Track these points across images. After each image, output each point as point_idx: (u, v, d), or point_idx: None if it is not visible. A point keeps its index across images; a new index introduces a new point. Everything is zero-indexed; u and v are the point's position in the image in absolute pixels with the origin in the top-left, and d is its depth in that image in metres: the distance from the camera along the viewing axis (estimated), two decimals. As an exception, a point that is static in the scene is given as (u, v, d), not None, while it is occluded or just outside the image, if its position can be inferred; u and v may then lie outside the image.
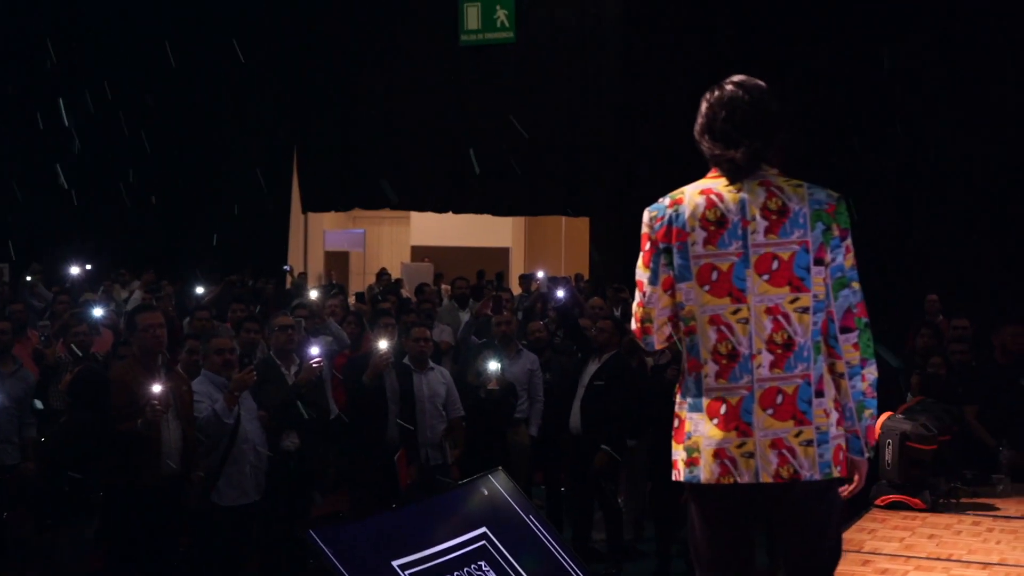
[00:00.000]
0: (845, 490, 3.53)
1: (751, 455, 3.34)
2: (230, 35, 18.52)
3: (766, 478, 3.34)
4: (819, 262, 3.37)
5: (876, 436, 3.63)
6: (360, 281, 23.24)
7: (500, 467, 4.62)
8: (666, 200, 3.47)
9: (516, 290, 16.43)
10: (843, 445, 3.43)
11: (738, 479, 3.36)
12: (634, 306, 3.56)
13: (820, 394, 3.38)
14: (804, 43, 15.18)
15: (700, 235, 3.38)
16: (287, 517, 7.65)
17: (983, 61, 14.02)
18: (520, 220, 23.28)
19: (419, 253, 24.45)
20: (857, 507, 6.41)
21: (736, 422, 3.35)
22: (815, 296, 3.37)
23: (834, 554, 3.53)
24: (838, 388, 3.42)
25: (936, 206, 14.02)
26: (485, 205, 19.05)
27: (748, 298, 3.36)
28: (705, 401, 3.39)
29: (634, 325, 3.57)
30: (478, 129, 17.92)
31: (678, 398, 3.51)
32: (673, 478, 3.51)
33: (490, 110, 17.85)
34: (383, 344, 8.31)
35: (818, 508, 3.43)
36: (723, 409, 3.37)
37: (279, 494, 7.61)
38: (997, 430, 7.93)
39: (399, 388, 8.52)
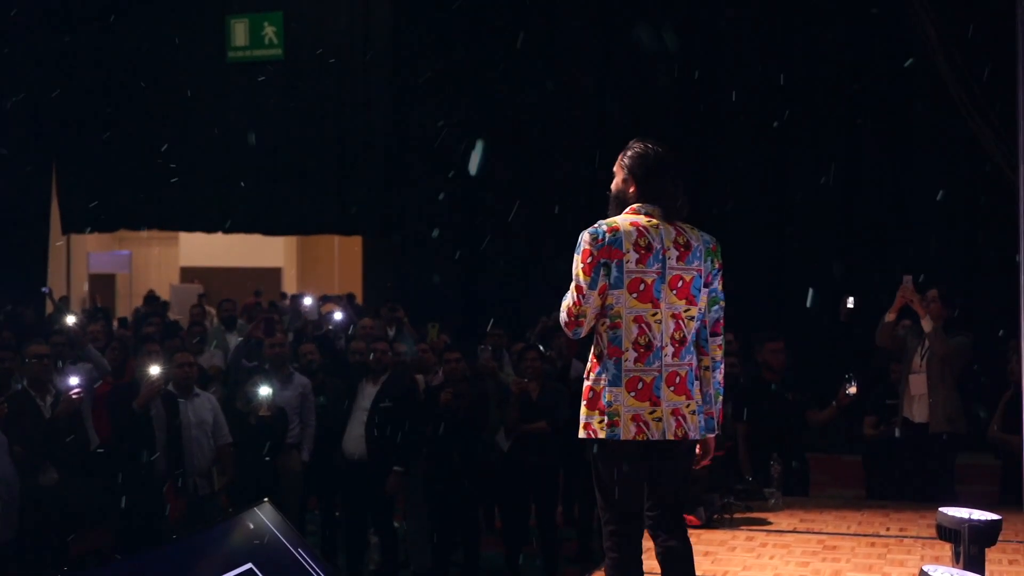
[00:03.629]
0: (700, 462, 4.72)
1: (660, 419, 4.45)
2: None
3: (669, 436, 4.46)
4: (706, 285, 4.59)
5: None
6: (127, 304, 22.50)
7: (266, 499, 4.44)
8: (604, 226, 4.51)
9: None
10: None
11: (649, 436, 4.44)
12: (569, 304, 4.52)
13: (697, 379, 4.59)
14: (566, 59, 15.43)
15: (633, 256, 4.45)
16: (44, 557, 7.27)
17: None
18: (292, 240, 22.96)
19: (189, 274, 23.83)
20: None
21: (649, 395, 4.45)
22: (700, 310, 4.57)
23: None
24: (703, 379, 4.61)
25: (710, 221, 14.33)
26: (255, 225, 18.65)
27: (661, 305, 4.48)
28: (625, 379, 4.45)
29: (565, 318, 4.55)
30: (247, 147, 17.54)
31: (593, 375, 4.52)
32: (583, 437, 4.51)
33: (259, 128, 17.50)
34: (155, 369, 8.01)
35: (690, 459, 4.66)
36: (640, 385, 4.45)
37: (35, 532, 7.23)
38: (767, 445, 8.11)
39: (165, 416, 8.22)
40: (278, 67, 17.81)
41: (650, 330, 4.46)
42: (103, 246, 23.69)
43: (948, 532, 5.23)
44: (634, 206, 4.59)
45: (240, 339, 11.27)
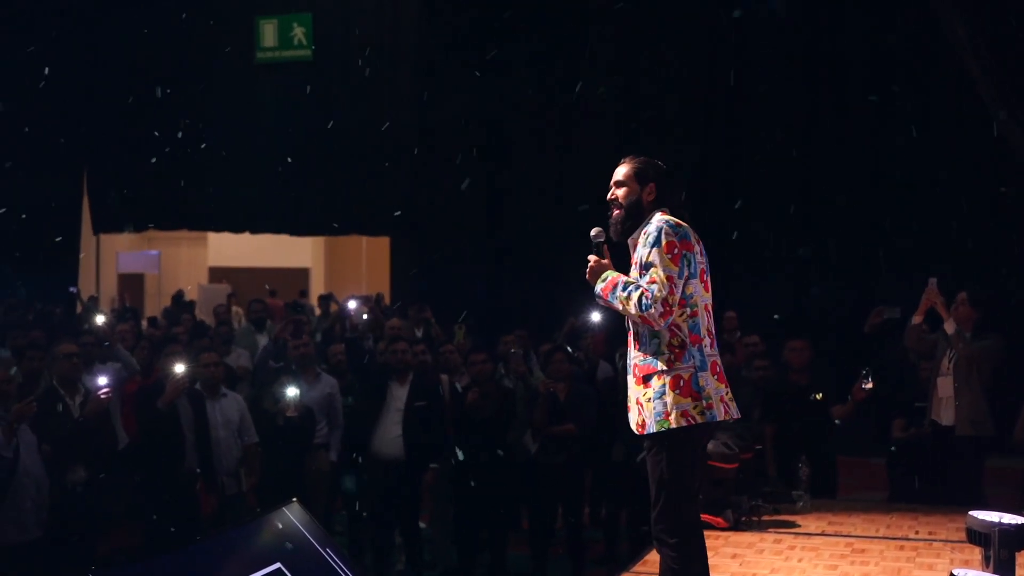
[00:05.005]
0: None
1: (733, 399, 4.78)
2: (17, 47, 17.70)
3: (739, 415, 4.83)
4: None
5: None
6: (156, 304, 22.58)
7: (295, 499, 4.45)
8: (673, 221, 4.72)
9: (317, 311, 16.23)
10: None
11: (733, 416, 4.76)
12: (663, 294, 4.60)
13: None
14: (600, 58, 15.41)
15: (697, 248, 4.75)
16: (73, 555, 7.30)
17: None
18: (320, 240, 23.00)
19: (217, 275, 23.90)
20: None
21: (724, 378, 4.77)
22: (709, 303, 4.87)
23: None
24: None
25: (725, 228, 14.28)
26: (283, 225, 18.74)
27: (709, 294, 4.81)
28: (708, 363, 4.69)
29: (660, 309, 4.60)
30: (275, 148, 17.58)
31: (679, 364, 4.64)
32: (678, 425, 4.59)
33: (287, 128, 17.55)
34: (179, 367, 8.04)
35: None
36: (718, 368, 4.75)
37: (64, 531, 7.26)
38: (796, 447, 8.04)
39: (193, 415, 8.26)
40: (307, 68, 17.85)
41: (710, 317, 4.79)
42: (132, 246, 23.80)
43: (978, 536, 5.20)
44: (664, 208, 4.84)
45: (268, 340, 11.32)
